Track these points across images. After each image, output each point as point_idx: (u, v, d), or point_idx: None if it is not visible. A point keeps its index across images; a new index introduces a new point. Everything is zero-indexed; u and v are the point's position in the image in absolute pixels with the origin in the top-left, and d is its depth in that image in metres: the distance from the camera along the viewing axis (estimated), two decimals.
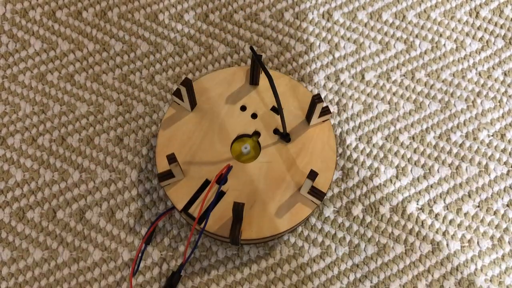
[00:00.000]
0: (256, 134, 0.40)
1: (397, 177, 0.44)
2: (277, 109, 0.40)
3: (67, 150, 0.43)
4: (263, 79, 0.41)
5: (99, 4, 0.48)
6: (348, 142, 0.44)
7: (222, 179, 0.38)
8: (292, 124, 0.40)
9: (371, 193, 0.43)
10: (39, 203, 0.42)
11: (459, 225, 0.42)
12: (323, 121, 0.40)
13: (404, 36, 0.48)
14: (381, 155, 0.44)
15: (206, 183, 0.38)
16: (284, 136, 0.40)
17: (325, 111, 0.39)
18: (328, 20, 0.49)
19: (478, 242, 0.42)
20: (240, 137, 0.40)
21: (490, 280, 0.41)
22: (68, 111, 0.45)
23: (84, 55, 0.46)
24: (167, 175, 0.37)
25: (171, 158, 0.35)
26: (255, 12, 0.49)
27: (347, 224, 0.42)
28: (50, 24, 0.47)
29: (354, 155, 0.44)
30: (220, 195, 0.37)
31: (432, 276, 0.41)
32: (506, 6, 0.50)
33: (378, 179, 0.43)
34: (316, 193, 0.37)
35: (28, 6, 0.48)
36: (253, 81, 0.41)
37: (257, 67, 0.39)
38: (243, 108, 0.41)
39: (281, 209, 0.38)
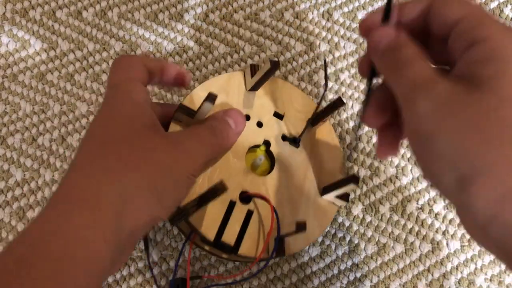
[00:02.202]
0: (266, 143, 0.38)
1: (397, 176, 0.44)
2: (279, 115, 0.39)
3: (67, 150, 0.43)
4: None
5: (99, 3, 0.48)
6: (348, 141, 0.44)
7: (244, 197, 0.36)
8: (296, 128, 0.39)
9: (371, 192, 0.43)
10: (39, 203, 0.42)
11: (459, 225, 0.42)
12: (323, 122, 0.40)
13: None
14: None
15: (232, 204, 0.35)
16: (293, 142, 0.39)
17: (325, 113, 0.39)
18: (328, 20, 0.49)
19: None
20: (252, 149, 0.38)
21: (490, 280, 0.41)
22: (68, 110, 0.45)
23: (84, 55, 0.46)
24: (187, 210, 0.33)
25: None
26: (255, 11, 0.49)
27: (347, 223, 0.42)
28: (50, 24, 0.47)
29: (354, 155, 0.44)
30: (248, 216, 0.35)
31: (432, 275, 0.41)
32: (506, 6, 0.50)
33: (378, 178, 0.43)
34: (342, 195, 0.37)
35: (28, 5, 0.48)
36: (253, 87, 0.39)
37: (264, 77, 0.37)
38: (247, 118, 0.38)
39: (309, 216, 0.37)
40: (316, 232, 0.36)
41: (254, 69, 0.38)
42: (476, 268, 0.41)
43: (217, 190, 0.31)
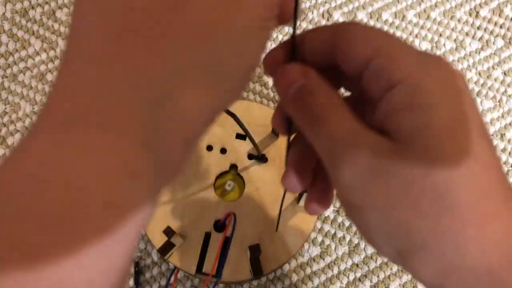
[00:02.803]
0: (233, 167, 0.39)
1: None
2: (242, 136, 0.40)
3: None
4: None
5: None
6: None
7: (219, 226, 0.37)
8: (262, 143, 0.40)
9: None
10: None
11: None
12: None
13: (404, 36, 0.48)
14: None
15: (207, 236, 0.37)
16: (260, 158, 0.39)
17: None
18: (328, 20, 0.49)
19: None
20: (220, 176, 0.39)
21: None
22: None
23: None
24: (168, 246, 0.35)
25: (169, 232, 0.34)
26: None
27: (347, 223, 0.42)
28: (50, 24, 0.47)
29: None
30: (226, 242, 0.36)
31: None
32: (506, 5, 0.50)
33: None
34: None
35: (28, 5, 0.48)
36: None
37: None
38: (210, 148, 0.40)
39: (288, 228, 0.37)
40: (298, 242, 0.37)
41: None
42: None
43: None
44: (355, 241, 0.41)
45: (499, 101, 0.46)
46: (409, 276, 0.41)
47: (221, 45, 0.16)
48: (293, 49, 0.21)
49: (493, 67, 0.48)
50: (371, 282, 0.41)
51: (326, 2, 0.49)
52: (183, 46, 0.16)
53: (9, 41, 0.47)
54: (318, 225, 0.42)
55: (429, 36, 0.48)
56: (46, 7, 0.48)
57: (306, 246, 0.41)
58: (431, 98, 0.17)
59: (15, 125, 0.44)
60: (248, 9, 0.16)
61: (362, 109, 0.21)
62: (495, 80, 0.47)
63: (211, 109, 0.17)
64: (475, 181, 0.17)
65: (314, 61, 0.21)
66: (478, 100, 0.46)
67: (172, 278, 0.38)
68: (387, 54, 0.18)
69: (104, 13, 0.16)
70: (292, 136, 0.24)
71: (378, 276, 0.41)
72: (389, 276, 0.41)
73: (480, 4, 0.50)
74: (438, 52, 0.48)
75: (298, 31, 0.20)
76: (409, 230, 0.17)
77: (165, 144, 0.16)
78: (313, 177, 0.24)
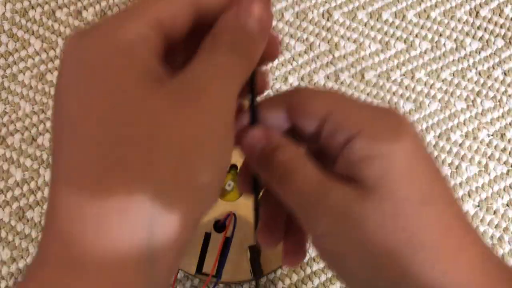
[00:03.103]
0: (233, 167, 0.39)
1: None
2: None
3: None
4: None
5: (99, 3, 0.48)
6: None
7: (219, 226, 0.37)
8: None
9: None
10: (39, 203, 0.42)
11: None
12: None
13: (404, 36, 0.48)
14: None
15: (207, 236, 0.37)
16: None
17: None
18: (328, 20, 0.49)
19: None
20: None
21: None
22: None
23: None
24: None
25: None
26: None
27: None
28: (50, 24, 0.47)
29: None
30: (226, 243, 0.36)
31: None
32: (506, 5, 0.50)
33: None
34: None
35: (28, 5, 0.48)
36: None
37: None
38: None
39: None
40: None
41: None
42: None
43: None
44: None
45: (499, 101, 0.46)
46: None
47: (198, 165, 0.17)
48: (252, 116, 0.22)
49: (493, 67, 0.48)
50: None
51: (326, 2, 0.49)
52: (167, 172, 0.16)
53: (9, 41, 0.47)
54: None
55: (429, 36, 0.48)
56: (46, 7, 0.48)
57: (306, 246, 0.41)
58: (387, 147, 0.19)
59: (15, 125, 0.44)
60: (218, 124, 0.17)
61: (324, 161, 0.22)
62: (495, 80, 0.47)
63: (193, 223, 0.18)
64: (439, 219, 0.19)
65: (274, 125, 0.22)
66: (478, 100, 0.46)
67: (172, 278, 0.38)
68: (342, 111, 0.20)
69: (89, 146, 0.16)
70: (260, 194, 0.25)
71: None
72: None
73: (480, 4, 0.50)
74: (438, 52, 0.48)
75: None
76: (385, 271, 0.18)
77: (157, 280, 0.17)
78: (286, 230, 0.25)
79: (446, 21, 0.49)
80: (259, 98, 0.22)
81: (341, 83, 0.46)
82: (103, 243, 0.15)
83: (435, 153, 0.44)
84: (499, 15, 0.49)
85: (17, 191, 0.42)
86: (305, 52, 0.47)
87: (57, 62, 0.46)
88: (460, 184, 0.44)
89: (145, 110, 0.16)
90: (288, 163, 0.20)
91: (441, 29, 0.49)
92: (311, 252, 0.41)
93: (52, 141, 0.17)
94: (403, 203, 0.18)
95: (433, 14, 0.49)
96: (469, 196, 0.43)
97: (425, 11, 0.49)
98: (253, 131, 0.22)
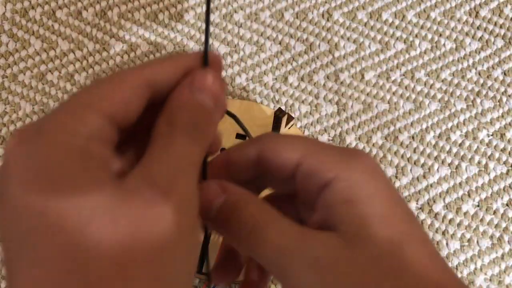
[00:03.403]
0: None
1: (396, 176, 0.44)
2: (242, 136, 0.40)
3: None
4: None
5: (99, 3, 0.48)
6: (348, 141, 0.44)
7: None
8: None
9: None
10: None
11: (459, 225, 0.42)
12: (289, 128, 0.40)
13: (404, 36, 0.48)
14: (381, 154, 0.44)
15: (208, 235, 0.37)
16: None
17: (289, 118, 0.39)
18: (328, 20, 0.49)
19: (477, 242, 0.42)
20: None
21: (490, 280, 0.41)
22: None
23: (84, 55, 0.46)
24: None
25: None
26: (255, 12, 0.49)
27: None
28: (50, 24, 0.47)
29: None
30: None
31: None
32: (506, 5, 0.50)
33: None
34: None
35: (28, 5, 0.48)
36: None
37: None
38: None
39: None
40: None
41: None
42: (476, 268, 0.41)
43: None
44: None
45: (499, 101, 0.46)
46: None
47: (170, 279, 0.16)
48: (204, 171, 0.20)
49: (493, 67, 0.48)
50: None
51: (326, 2, 0.49)
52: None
53: (9, 41, 0.47)
54: None
55: (429, 36, 0.48)
56: (46, 7, 0.48)
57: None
58: (363, 191, 0.19)
59: (15, 125, 0.44)
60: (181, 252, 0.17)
61: (297, 206, 0.22)
62: (495, 80, 0.47)
63: None
64: (419, 258, 0.19)
65: (239, 175, 0.21)
66: (478, 100, 0.46)
67: None
68: (315, 156, 0.20)
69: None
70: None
71: None
72: None
73: (480, 4, 0.50)
74: (437, 52, 0.48)
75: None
76: None
77: None
78: (246, 267, 0.24)
79: (446, 21, 0.49)
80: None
81: (341, 83, 0.46)
82: None
83: (435, 153, 0.44)
84: (499, 15, 0.49)
85: None
86: (305, 52, 0.47)
87: (57, 62, 0.46)
88: (460, 184, 0.44)
89: (107, 215, 0.15)
90: (258, 216, 0.19)
91: (441, 29, 0.49)
92: None
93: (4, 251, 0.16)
94: (387, 245, 0.18)
95: (433, 14, 0.49)
96: (469, 196, 0.43)
97: (425, 11, 0.49)
98: (208, 185, 0.20)
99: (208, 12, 0.19)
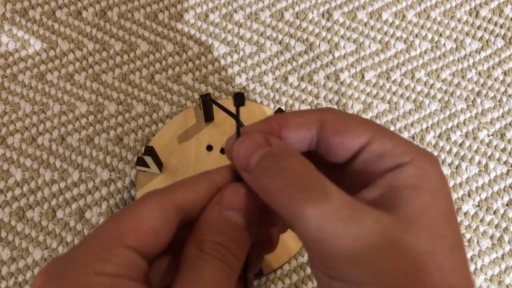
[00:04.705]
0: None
1: None
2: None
3: (67, 150, 0.43)
4: (216, 112, 0.41)
5: (99, 3, 0.48)
6: None
7: None
8: None
9: None
10: (39, 203, 0.42)
11: (459, 225, 0.42)
12: None
13: (404, 36, 0.48)
14: None
15: None
16: None
17: None
18: (328, 20, 0.49)
19: (478, 242, 0.42)
20: None
21: (490, 280, 0.41)
22: (68, 110, 0.45)
23: (84, 55, 0.46)
24: None
25: None
26: (255, 11, 0.49)
27: None
28: (50, 24, 0.47)
29: None
30: None
31: None
32: (506, 5, 0.50)
33: None
34: None
35: (28, 5, 0.48)
36: (208, 118, 0.40)
37: (209, 106, 0.39)
38: (210, 148, 0.40)
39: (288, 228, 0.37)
40: (298, 242, 0.37)
41: (203, 100, 0.38)
42: (476, 268, 0.41)
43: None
44: None
45: (499, 101, 0.46)
46: None
47: None
48: (238, 130, 0.20)
49: (493, 67, 0.48)
50: None
51: (326, 2, 0.49)
52: None
53: (9, 41, 0.47)
54: None
55: (429, 36, 0.48)
56: (46, 7, 0.48)
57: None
58: (435, 185, 0.19)
59: (15, 125, 0.44)
60: None
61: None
62: (495, 80, 0.47)
63: None
64: (462, 266, 0.19)
65: (291, 142, 0.20)
66: (478, 100, 0.46)
67: None
68: (389, 138, 0.19)
69: None
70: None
71: None
72: None
73: (480, 4, 0.50)
74: (438, 52, 0.48)
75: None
76: None
77: None
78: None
79: (446, 21, 0.49)
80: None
81: (341, 83, 0.46)
82: None
83: (435, 153, 0.44)
84: (499, 15, 0.49)
85: (17, 191, 0.42)
86: (305, 52, 0.47)
87: (57, 62, 0.46)
88: (460, 184, 0.44)
89: None
90: (302, 173, 0.17)
91: (441, 29, 0.49)
92: None
93: None
94: (439, 241, 0.18)
95: (433, 14, 0.49)
96: (469, 196, 0.43)
97: (425, 11, 0.49)
98: (252, 135, 0.19)
99: (237, 124, 0.20)
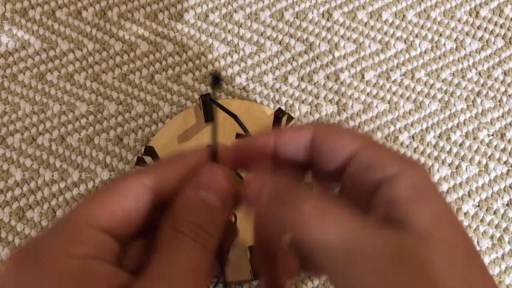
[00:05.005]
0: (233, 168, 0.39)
1: None
2: (242, 136, 0.40)
3: (67, 150, 0.43)
4: (216, 112, 0.40)
5: (98, 3, 0.48)
6: None
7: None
8: None
9: None
10: (39, 203, 0.42)
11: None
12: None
13: (404, 36, 0.48)
14: None
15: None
16: None
17: (289, 118, 0.39)
18: (328, 20, 0.49)
19: (478, 242, 0.42)
20: None
21: None
22: (68, 110, 0.44)
23: (83, 55, 0.46)
24: None
25: None
26: (255, 11, 0.49)
27: None
28: (50, 24, 0.47)
29: None
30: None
31: None
32: (506, 5, 0.50)
33: None
34: None
35: (27, 5, 0.48)
36: (208, 118, 0.40)
37: (209, 106, 0.38)
38: None
39: None
40: None
41: (203, 100, 0.38)
42: None
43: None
44: None
45: (499, 101, 0.46)
46: None
47: None
48: (214, 154, 0.20)
49: (493, 67, 0.48)
50: None
51: (326, 2, 0.49)
52: None
53: (9, 41, 0.47)
54: None
55: (429, 36, 0.48)
56: (46, 7, 0.48)
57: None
58: (433, 194, 0.18)
59: (15, 125, 0.44)
60: None
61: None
62: (495, 80, 0.47)
63: None
64: (482, 275, 0.18)
65: (287, 156, 0.20)
66: (478, 100, 0.46)
67: None
68: (375, 149, 0.19)
69: None
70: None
71: None
72: None
73: (480, 4, 0.50)
74: (438, 52, 0.48)
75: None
76: None
77: None
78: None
79: (446, 21, 0.49)
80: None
81: (341, 83, 0.46)
82: None
83: (435, 153, 0.44)
84: (499, 15, 0.49)
85: (17, 191, 0.42)
86: (305, 52, 0.47)
87: (57, 62, 0.46)
88: (460, 184, 0.44)
89: None
90: (318, 205, 0.17)
91: (441, 29, 0.49)
92: None
93: None
94: (456, 251, 0.17)
95: (433, 14, 0.49)
96: (469, 196, 0.43)
97: (425, 11, 0.49)
98: (255, 177, 0.19)
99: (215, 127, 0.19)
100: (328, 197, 0.18)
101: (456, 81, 0.47)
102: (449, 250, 0.17)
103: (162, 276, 0.16)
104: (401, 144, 0.45)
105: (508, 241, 0.42)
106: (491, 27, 0.49)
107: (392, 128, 0.45)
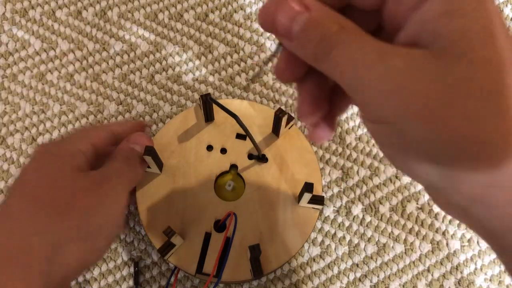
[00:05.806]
0: (234, 167, 0.39)
1: (396, 176, 0.44)
2: (242, 136, 0.40)
3: None
4: (216, 112, 0.40)
5: (99, 3, 0.48)
6: (348, 141, 0.44)
7: (219, 226, 0.37)
8: (262, 143, 0.40)
9: (371, 192, 0.43)
10: None
11: (459, 225, 0.42)
12: (289, 128, 0.40)
13: None
14: (381, 154, 0.44)
15: (207, 236, 0.37)
16: (260, 158, 0.39)
17: (289, 118, 0.39)
18: None
19: (478, 242, 0.42)
20: (220, 176, 0.39)
21: (490, 280, 0.41)
22: (68, 110, 0.45)
23: (84, 55, 0.46)
24: (168, 246, 0.35)
25: (169, 232, 0.34)
26: (255, 11, 0.49)
27: (347, 223, 0.42)
28: (50, 24, 0.47)
29: (354, 155, 0.44)
30: (226, 243, 0.36)
31: (432, 275, 0.41)
32: (506, 5, 0.50)
33: (378, 178, 0.43)
34: (316, 199, 0.37)
35: (28, 5, 0.48)
36: (208, 118, 0.40)
37: (209, 106, 0.39)
38: (210, 148, 0.40)
39: (288, 228, 0.37)
40: (298, 242, 0.37)
41: (203, 100, 0.38)
42: (476, 268, 0.41)
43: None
44: (355, 241, 0.41)
45: None
46: (409, 276, 0.41)
47: (95, 222, 0.30)
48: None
49: None
50: (371, 282, 0.41)
51: None
52: (74, 219, 0.29)
53: (9, 41, 0.47)
54: (318, 225, 0.42)
55: None
56: (46, 7, 0.48)
57: (306, 246, 0.41)
58: (467, 6, 0.16)
59: (15, 125, 0.44)
60: (114, 204, 0.32)
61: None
62: None
63: (83, 262, 0.30)
64: None
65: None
66: None
67: (173, 279, 0.38)
68: None
69: (19, 192, 0.30)
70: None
71: (378, 276, 0.41)
72: (389, 276, 0.41)
73: None
74: None
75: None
76: (457, 138, 0.16)
77: (52, 280, 0.28)
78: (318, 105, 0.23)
79: None
80: None
81: None
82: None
83: None
84: None
85: None
86: None
87: (57, 62, 0.46)
88: None
89: (75, 185, 0.30)
90: (338, 32, 0.18)
91: None
92: (311, 252, 0.41)
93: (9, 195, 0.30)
94: (484, 65, 0.16)
95: None
96: None
97: None
98: (288, 3, 0.19)
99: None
100: (366, 33, 0.18)
101: None
102: (470, 63, 0.16)
103: (106, 171, 0.33)
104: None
105: None
106: None
107: None
